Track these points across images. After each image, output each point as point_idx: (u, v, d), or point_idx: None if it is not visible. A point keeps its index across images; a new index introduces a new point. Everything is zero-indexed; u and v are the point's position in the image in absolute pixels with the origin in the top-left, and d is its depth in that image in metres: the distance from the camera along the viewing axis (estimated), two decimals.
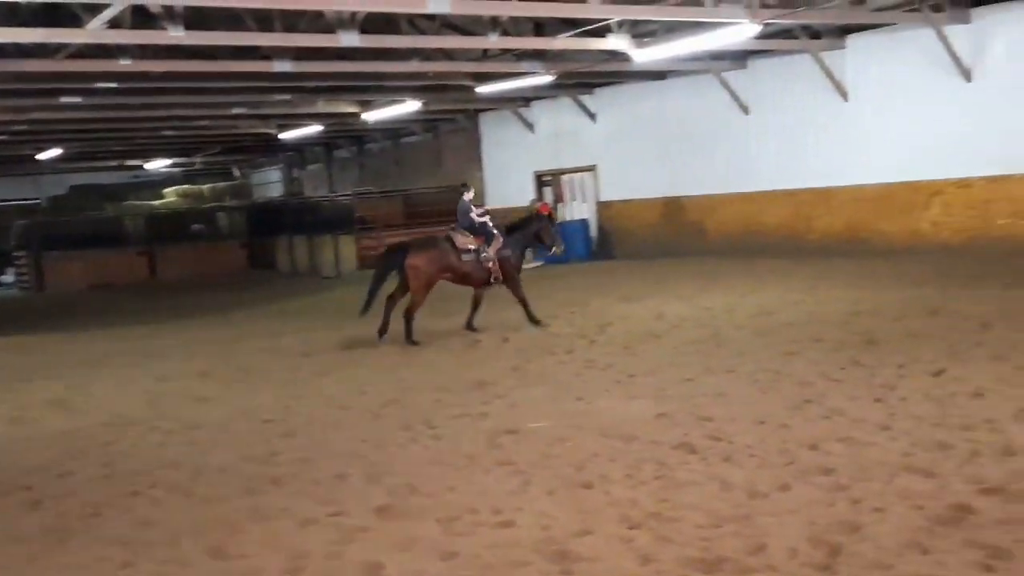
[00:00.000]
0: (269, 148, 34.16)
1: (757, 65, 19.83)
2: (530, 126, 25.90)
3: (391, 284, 12.72)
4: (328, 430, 8.16)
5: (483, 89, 19.96)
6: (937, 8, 15.72)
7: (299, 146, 34.10)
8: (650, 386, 8.76)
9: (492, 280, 12.84)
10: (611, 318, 13.05)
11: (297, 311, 18.00)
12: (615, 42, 15.19)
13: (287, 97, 20.74)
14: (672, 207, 22.15)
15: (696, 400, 8.02)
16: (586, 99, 23.94)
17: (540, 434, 7.33)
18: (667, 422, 7.39)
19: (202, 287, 24.76)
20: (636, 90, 22.66)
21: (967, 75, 16.16)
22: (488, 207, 14.11)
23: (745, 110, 20.21)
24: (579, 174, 24.68)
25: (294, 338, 13.84)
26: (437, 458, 6.97)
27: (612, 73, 20.44)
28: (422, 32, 15.92)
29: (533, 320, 12.83)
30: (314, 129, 26.06)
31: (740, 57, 19.61)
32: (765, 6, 15.31)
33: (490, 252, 12.67)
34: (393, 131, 30.40)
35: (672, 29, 15.72)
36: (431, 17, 14.96)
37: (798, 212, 19.44)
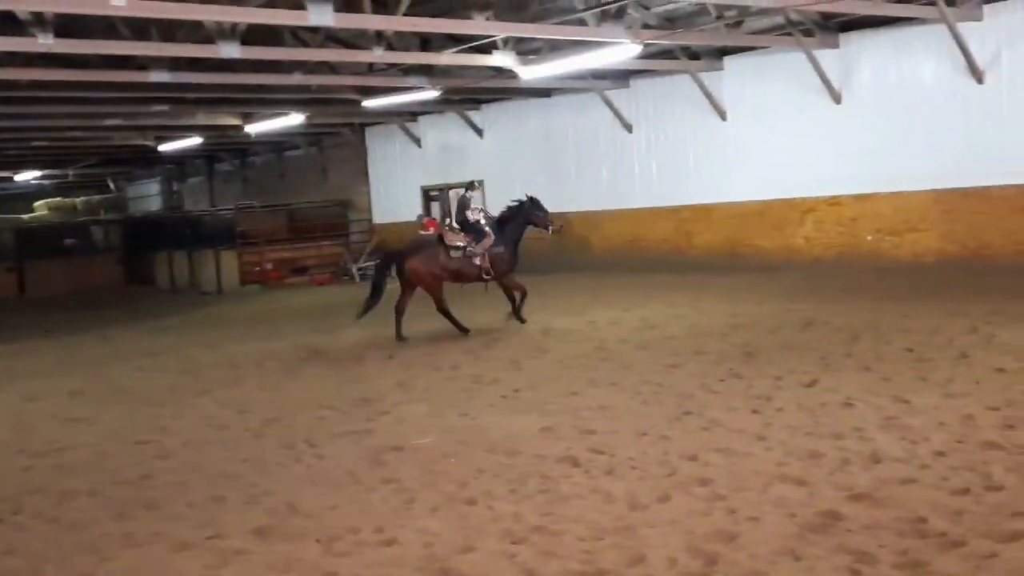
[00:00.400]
0: (147, 160, 33.15)
1: (639, 84, 20.27)
2: (417, 141, 25.85)
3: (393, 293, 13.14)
4: (206, 451, 7.93)
5: (369, 103, 19.84)
6: (808, 33, 16.36)
7: (179, 159, 33.21)
8: (535, 400, 8.80)
9: (484, 276, 13.17)
10: (497, 332, 13.08)
11: (176, 327, 17.46)
12: (500, 59, 15.32)
13: (165, 108, 20.16)
14: (561, 223, 22.34)
15: (580, 414, 8.09)
16: (473, 115, 24.04)
17: (425, 451, 7.29)
18: (551, 436, 7.44)
19: (75, 304, 23.78)
20: (523, 107, 22.89)
21: (837, 98, 16.86)
22: (483, 209, 14.07)
23: (628, 128, 20.62)
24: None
25: (172, 355, 13.42)
26: (319, 477, 6.85)
27: (499, 89, 20.58)
28: (305, 44, 15.71)
29: (519, 317, 13.26)
30: (194, 141, 25.38)
31: (623, 76, 20.01)
32: (646, 27, 15.70)
33: (477, 249, 12.91)
34: (277, 144, 29.91)
35: (557, 47, 15.95)
36: (315, 29, 14.78)
37: (679, 228, 19.92)
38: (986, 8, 14.65)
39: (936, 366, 8.79)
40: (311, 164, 29.55)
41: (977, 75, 14.91)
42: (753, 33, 16.72)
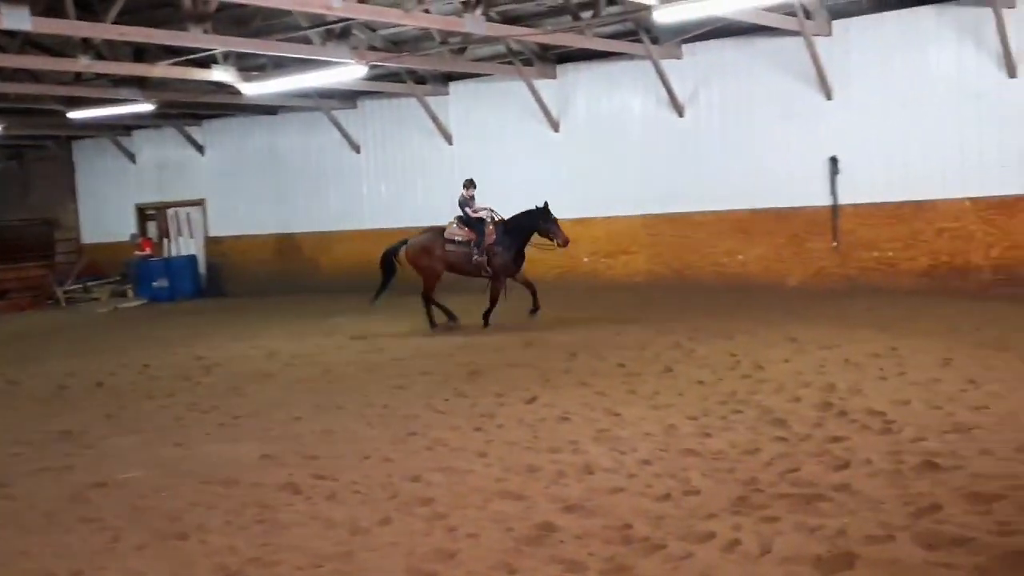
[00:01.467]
0: None
1: (368, 105, 20.28)
2: (131, 156, 24.41)
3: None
4: None
5: (76, 115, 18.48)
6: (528, 63, 17.06)
7: None
8: (256, 427, 8.50)
9: (483, 273, 13.25)
10: (218, 358, 12.55)
11: None
12: (220, 74, 14.79)
13: None
14: (286, 243, 21.92)
15: (304, 439, 7.90)
16: (193, 130, 23.07)
17: (132, 485, 6.81)
18: (272, 463, 7.19)
19: None
20: (247, 124, 22.24)
21: (555, 125, 17.68)
22: (481, 210, 13.61)
23: (357, 149, 20.55)
24: (186, 208, 23.64)
25: None
26: (9, 520, 6.22)
27: (221, 105, 19.88)
28: (2, 49, 14.43)
29: (485, 322, 13.31)
30: None
31: (350, 97, 19.95)
32: (372, 49, 15.74)
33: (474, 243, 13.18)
34: None
35: (281, 65, 15.62)
36: (12, 34, 13.61)
37: None
38: (685, 47, 15.91)
39: (644, 380, 9.36)
40: (12, 179, 27.10)
41: (678, 109, 16.13)
42: (476, 60, 17.21)
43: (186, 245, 23.52)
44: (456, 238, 13.48)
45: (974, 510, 5.11)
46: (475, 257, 13.34)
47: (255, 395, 10.01)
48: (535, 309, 13.51)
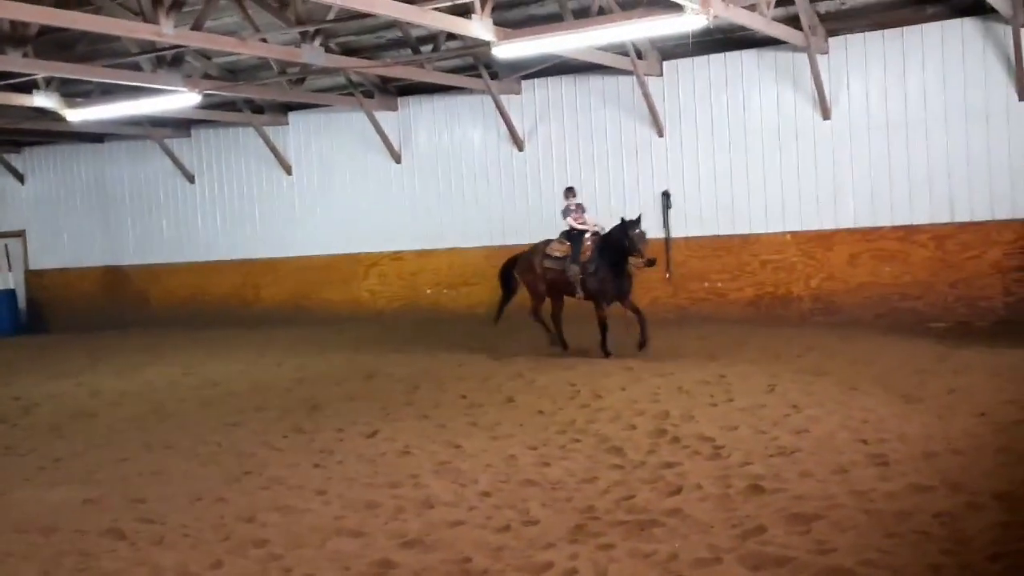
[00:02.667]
0: None
1: (202, 134, 19.73)
2: None
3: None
4: None
5: None
6: (369, 94, 17.00)
7: None
8: (79, 470, 8.05)
9: (576, 296, 12.07)
10: (38, 397, 11.84)
11: None
12: (43, 100, 14.07)
13: None
14: (114, 276, 20.98)
15: (130, 481, 7.54)
16: (12, 158, 21.84)
17: None
18: (95, 508, 6.83)
19: None
20: (72, 152, 21.23)
21: (397, 157, 17.66)
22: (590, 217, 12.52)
23: (191, 178, 19.94)
24: (4, 240, 22.29)
25: None
26: None
27: (43, 132, 18.90)
28: None
29: (604, 352, 11.94)
30: None
31: (184, 125, 19.36)
32: (207, 77, 15.34)
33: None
34: None
35: (109, 91, 14.98)
36: None
37: (246, 281, 19.54)
38: (524, 83, 16.23)
39: (486, 411, 9.41)
40: None
41: (518, 143, 16.42)
42: (316, 91, 17.03)
43: (3, 279, 22.14)
44: (555, 254, 12.33)
45: (795, 530, 5.36)
46: (569, 274, 12.12)
47: (78, 436, 9.50)
48: (643, 342, 11.79)
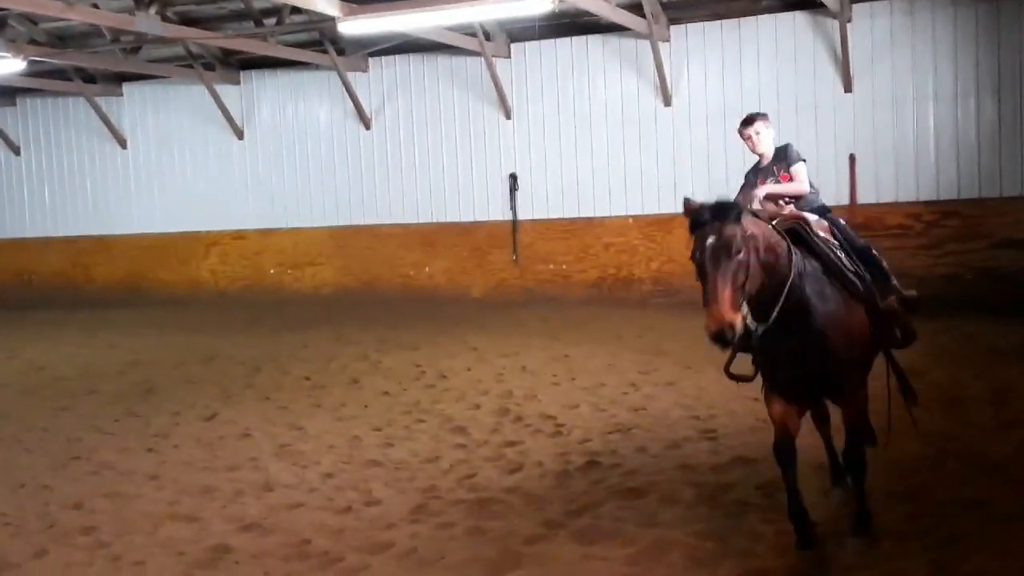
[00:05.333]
0: None
1: (28, 104, 18.65)
2: None
3: None
4: None
5: None
6: (209, 67, 16.42)
7: None
8: None
9: None
10: None
11: None
12: None
13: None
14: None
15: None
16: None
17: None
18: None
19: None
20: None
21: (239, 133, 17.15)
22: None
23: (16, 151, 18.83)
24: None
25: None
26: None
27: None
28: None
29: None
30: None
31: (8, 94, 18.23)
32: (33, 43, 14.50)
33: None
34: None
35: None
36: None
37: (77, 260, 18.61)
38: (372, 61, 16.02)
39: (330, 392, 9.31)
40: None
41: (365, 121, 16.21)
42: (153, 61, 16.33)
43: None
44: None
45: (627, 505, 5.55)
46: None
47: None
48: None
